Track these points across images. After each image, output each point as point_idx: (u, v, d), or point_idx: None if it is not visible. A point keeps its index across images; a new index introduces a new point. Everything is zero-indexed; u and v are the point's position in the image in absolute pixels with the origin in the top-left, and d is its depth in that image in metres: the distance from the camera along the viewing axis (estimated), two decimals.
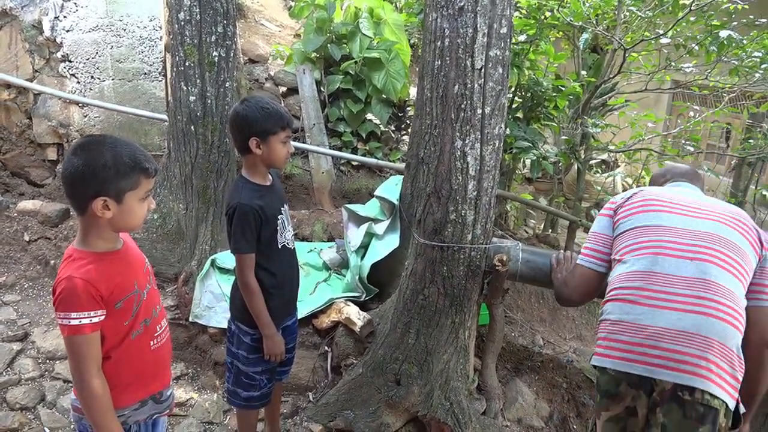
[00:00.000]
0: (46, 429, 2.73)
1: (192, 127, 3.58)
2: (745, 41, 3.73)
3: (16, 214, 4.20)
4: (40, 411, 2.83)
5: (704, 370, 1.59)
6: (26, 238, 4.07)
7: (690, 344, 1.61)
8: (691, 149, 4.55)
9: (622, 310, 1.74)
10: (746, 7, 3.99)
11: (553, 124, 4.46)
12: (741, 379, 1.66)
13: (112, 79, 4.60)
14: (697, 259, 1.70)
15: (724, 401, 1.61)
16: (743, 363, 1.68)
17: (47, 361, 3.18)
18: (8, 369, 3.06)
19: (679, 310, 1.65)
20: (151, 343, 1.66)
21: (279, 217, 2.19)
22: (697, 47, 3.90)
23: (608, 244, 1.96)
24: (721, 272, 1.68)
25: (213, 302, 3.23)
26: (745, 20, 4.04)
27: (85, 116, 4.63)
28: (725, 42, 3.60)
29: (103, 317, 1.50)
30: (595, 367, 1.81)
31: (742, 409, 1.72)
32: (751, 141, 4.60)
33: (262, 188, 2.16)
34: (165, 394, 1.75)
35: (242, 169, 2.19)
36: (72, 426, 2.67)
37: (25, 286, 3.83)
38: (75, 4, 4.40)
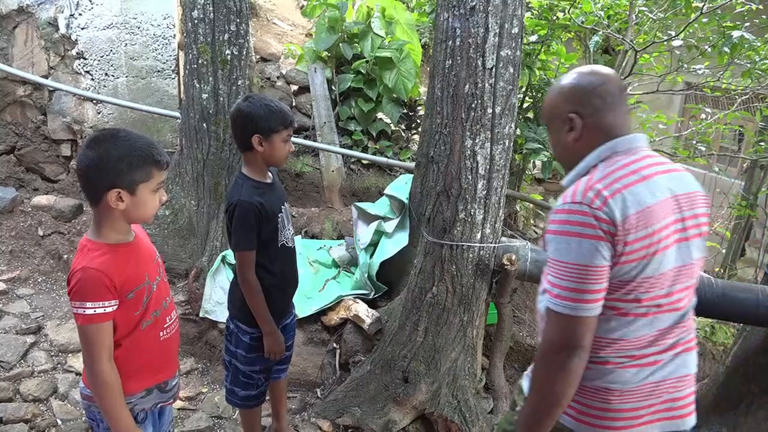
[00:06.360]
0: (58, 420, 2.77)
1: (204, 125, 3.61)
2: (758, 43, 3.71)
3: (30, 209, 4.26)
4: (52, 403, 2.87)
5: (691, 406, 1.59)
6: (40, 232, 4.12)
7: (683, 387, 1.59)
8: (702, 149, 4.53)
9: (626, 378, 1.57)
10: (760, 7, 3.96)
11: None
12: None
13: (126, 77, 4.64)
14: (679, 309, 1.57)
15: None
16: None
17: (60, 354, 3.22)
18: (22, 361, 3.10)
19: (673, 357, 1.57)
20: (161, 333, 1.69)
21: (279, 215, 2.18)
22: (709, 49, 3.88)
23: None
24: (692, 301, 1.59)
25: (223, 298, 3.25)
26: (758, 21, 4.01)
27: (99, 113, 4.68)
28: (738, 43, 3.58)
29: (115, 307, 1.53)
30: None
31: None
32: (763, 144, 4.56)
33: (262, 185, 2.15)
34: (170, 383, 1.78)
35: (242, 167, 2.18)
36: (84, 418, 2.71)
37: (39, 280, 3.88)
38: (90, 1, 4.45)
